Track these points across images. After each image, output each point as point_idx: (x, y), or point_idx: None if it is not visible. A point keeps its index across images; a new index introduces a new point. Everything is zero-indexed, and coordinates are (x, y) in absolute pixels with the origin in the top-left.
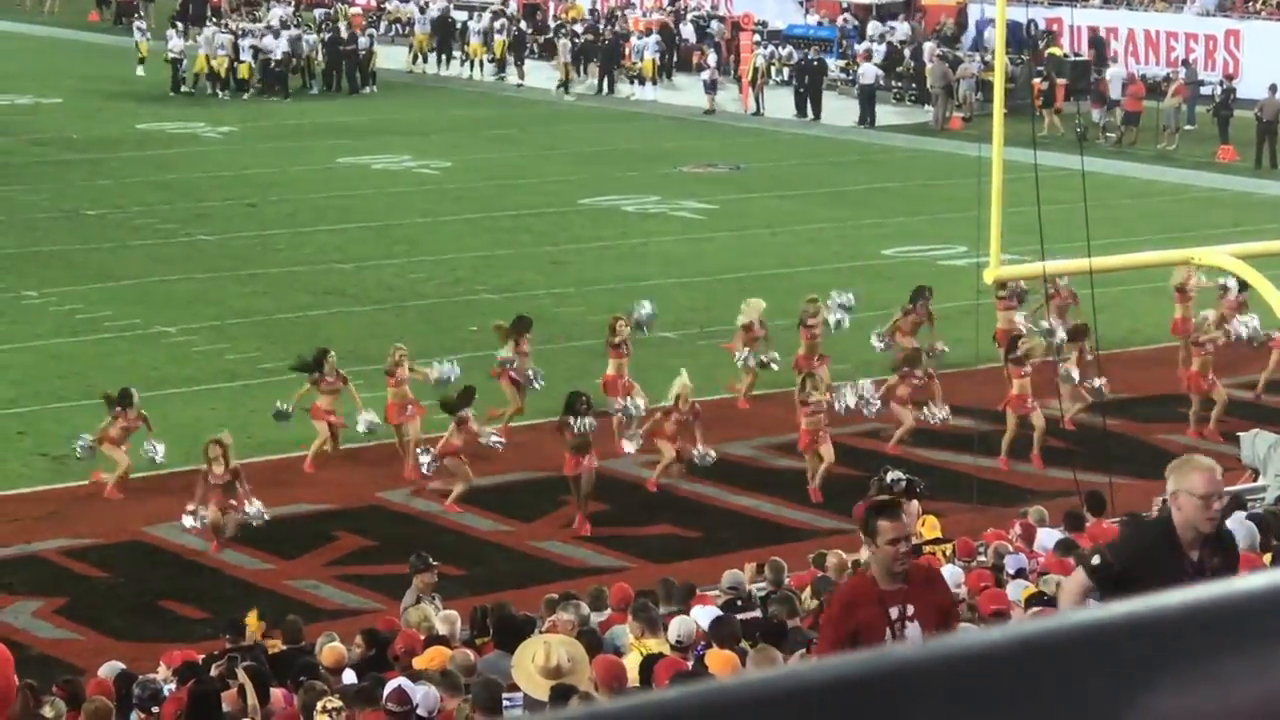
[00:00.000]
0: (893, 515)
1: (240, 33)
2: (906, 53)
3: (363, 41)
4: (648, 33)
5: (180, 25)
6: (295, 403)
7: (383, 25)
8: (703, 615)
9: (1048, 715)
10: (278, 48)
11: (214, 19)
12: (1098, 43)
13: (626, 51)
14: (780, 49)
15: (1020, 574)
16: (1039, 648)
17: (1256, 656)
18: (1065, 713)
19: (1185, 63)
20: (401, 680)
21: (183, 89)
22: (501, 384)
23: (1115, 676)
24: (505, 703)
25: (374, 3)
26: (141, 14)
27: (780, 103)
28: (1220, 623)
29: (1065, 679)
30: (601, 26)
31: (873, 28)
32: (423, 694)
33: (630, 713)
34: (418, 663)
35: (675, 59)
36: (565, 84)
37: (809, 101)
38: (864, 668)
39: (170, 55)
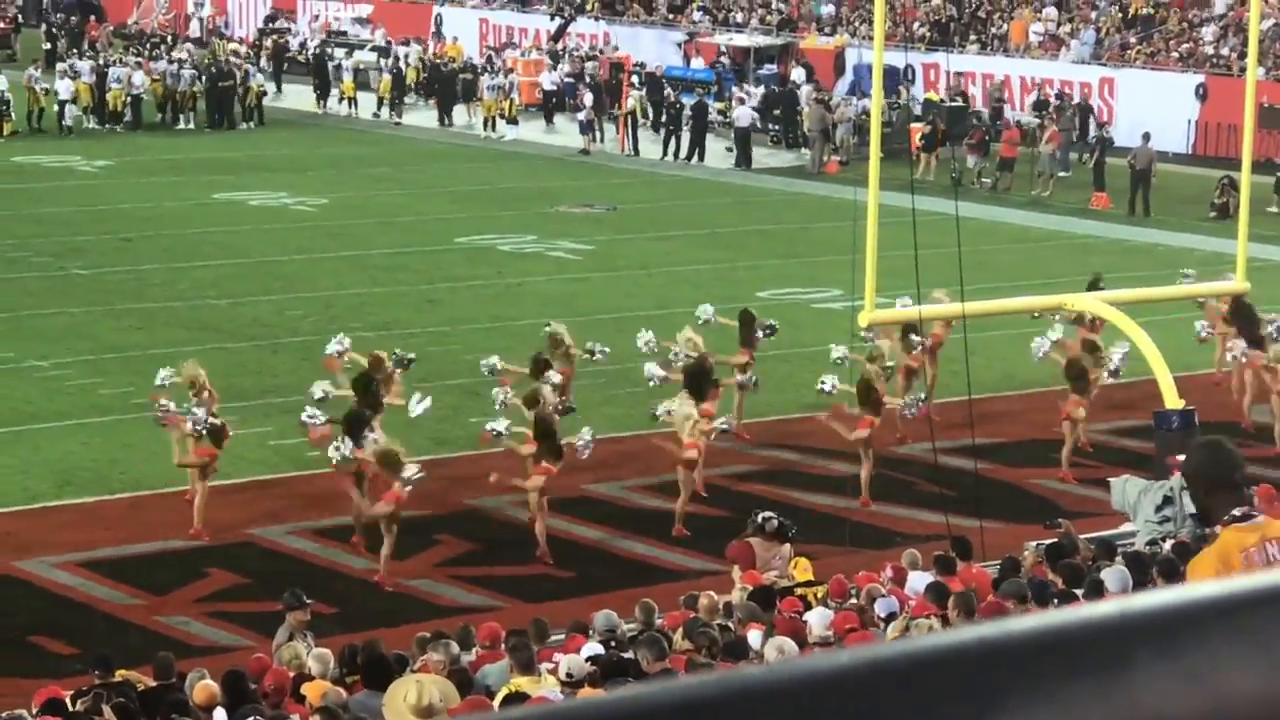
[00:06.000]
0: None
1: (108, 64)
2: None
3: (254, 78)
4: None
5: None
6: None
7: (262, 60)
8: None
9: None
10: (141, 82)
11: (90, 53)
12: (997, 95)
13: (492, 88)
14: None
15: (891, 617)
16: (887, 670)
17: (1102, 681)
18: None
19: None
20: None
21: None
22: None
23: (962, 699)
24: None
25: (253, 38)
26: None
27: (658, 145)
28: (1067, 647)
29: (913, 702)
30: (476, 64)
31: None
32: None
33: None
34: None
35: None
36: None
37: (674, 142)
38: (711, 689)
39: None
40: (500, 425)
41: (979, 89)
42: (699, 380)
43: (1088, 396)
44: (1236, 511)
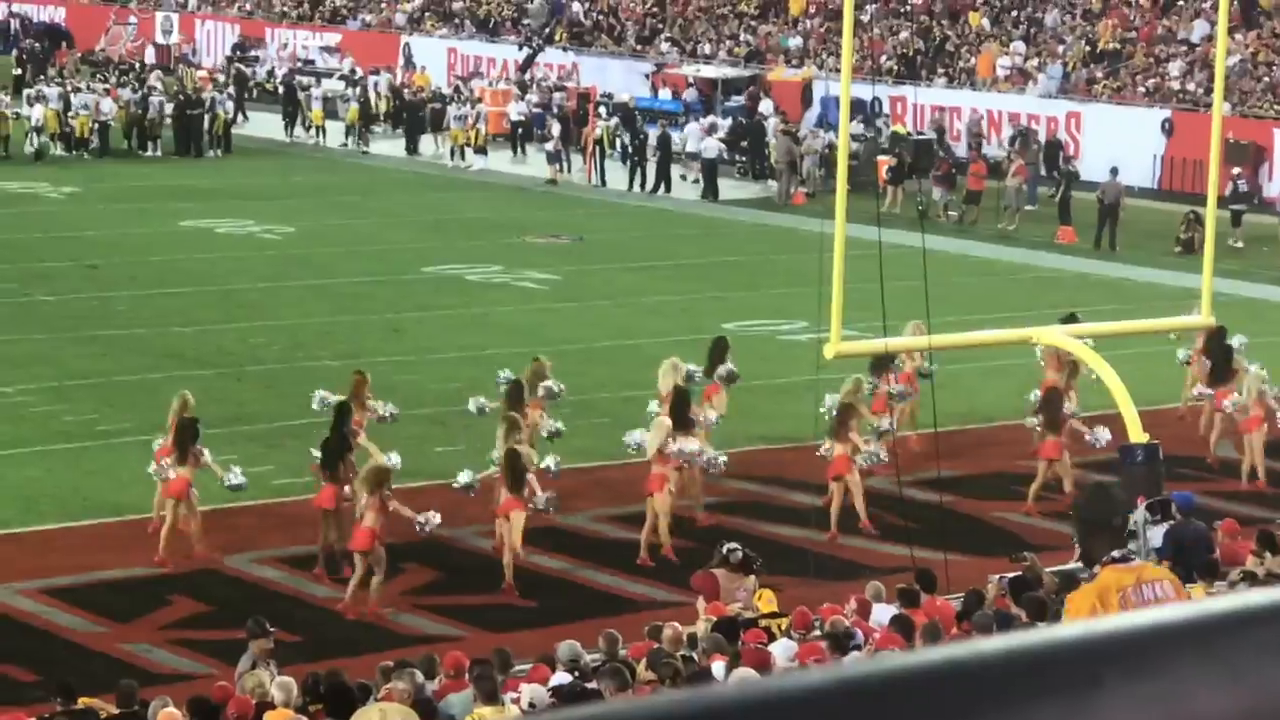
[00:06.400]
0: None
1: (74, 90)
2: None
3: (221, 105)
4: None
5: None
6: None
7: (231, 88)
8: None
9: None
10: (108, 109)
11: (57, 79)
12: (939, 131)
13: (468, 119)
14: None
15: (855, 649)
16: (856, 690)
17: (1071, 702)
18: None
19: (1026, 144)
20: None
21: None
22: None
23: (933, 718)
24: None
25: (221, 66)
26: None
27: (624, 175)
28: (1037, 668)
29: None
30: (444, 94)
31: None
32: None
33: None
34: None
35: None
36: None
37: (640, 173)
38: (679, 708)
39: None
40: (466, 475)
41: (947, 123)
42: (681, 410)
43: (1062, 434)
44: (1116, 553)
